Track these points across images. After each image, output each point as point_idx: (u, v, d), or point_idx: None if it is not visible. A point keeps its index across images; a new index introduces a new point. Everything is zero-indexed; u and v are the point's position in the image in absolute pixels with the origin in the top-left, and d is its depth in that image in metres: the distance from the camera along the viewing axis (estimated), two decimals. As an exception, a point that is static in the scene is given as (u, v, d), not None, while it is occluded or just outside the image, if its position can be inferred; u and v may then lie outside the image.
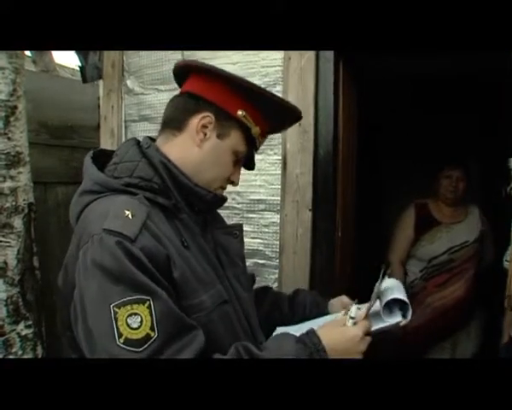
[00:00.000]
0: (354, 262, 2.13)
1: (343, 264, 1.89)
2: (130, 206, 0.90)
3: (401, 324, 1.04)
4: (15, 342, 1.96)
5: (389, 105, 3.16)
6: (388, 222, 2.66)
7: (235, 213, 1.92)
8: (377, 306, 1.07)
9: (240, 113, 1.02)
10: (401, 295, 1.09)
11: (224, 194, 1.87)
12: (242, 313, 1.06)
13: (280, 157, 1.83)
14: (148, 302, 0.82)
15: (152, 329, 0.81)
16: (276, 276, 1.84)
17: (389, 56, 1.90)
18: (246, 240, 1.86)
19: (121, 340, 0.80)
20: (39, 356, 2.04)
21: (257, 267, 1.86)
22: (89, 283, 0.84)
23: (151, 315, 0.82)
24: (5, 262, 1.92)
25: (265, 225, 1.87)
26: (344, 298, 1.24)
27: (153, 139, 1.06)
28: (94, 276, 0.83)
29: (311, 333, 0.95)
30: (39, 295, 2.06)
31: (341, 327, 0.97)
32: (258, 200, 1.89)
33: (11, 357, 1.92)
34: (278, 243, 1.84)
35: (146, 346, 0.81)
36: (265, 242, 1.87)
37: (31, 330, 2.01)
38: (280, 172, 1.83)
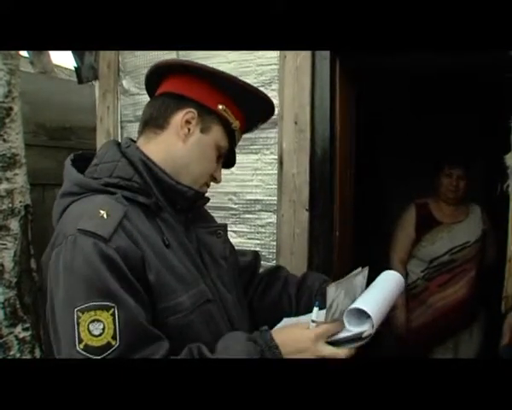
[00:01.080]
0: (352, 263, 2.10)
1: (341, 264, 1.87)
2: (105, 206, 0.89)
3: (363, 334, 0.94)
4: (13, 344, 1.96)
5: (388, 103, 3.13)
6: (388, 222, 2.63)
7: (232, 214, 1.90)
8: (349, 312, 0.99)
9: (220, 107, 1.03)
10: (365, 303, 0.97)
11: (220, 194, 1.87)
12: (225, 314, 1.05)
13: (276, 157, 1.81)
14: (112, 310, 0.81)
15: (114, 337, 0.80)
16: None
17: (387, 54, 1.87)
18: (242, 241, 1.87)
19: (81, 346, 0.79)
20: (37, 359, 2.04)
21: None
22: (58, 284, 0.84)
23: (114, 323, 0.80)
24: (2, 265, 1.92)
25: (262, 226, 1.85)
26: None
27: (133, 141, 1.06)
28: (64, 277, 0.83)
29: (264, 331, 0.93)
30: (37, 298, 2.05)
31: (295, 328, 0.95)
32: (254, 200, 1.87)
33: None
34: (275, 243, 1.82)
35: (105, 354, 0.79)
36: (262, 242, 1.86)
37: (28, 333, 2.01)
38: (276, 171, 1.81)
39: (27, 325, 2.01)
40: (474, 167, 2.47)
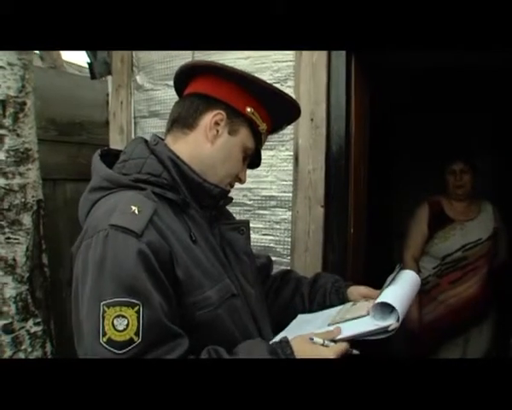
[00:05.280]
0: (366, 260, 2.10)
1: (355, 261, 1.87)
2: (136, 201, 0.90)
3: (390, 328, 0.95)
4: (24, 339, 1.96)
5: (403, 101, 3.12)
6: (400, 219, 2.64)
7: (247, 210, 1.89)
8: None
9: (248, 110, 1.05)
10: (391, 297, 1.00)
11: (236, 190, 1.86)
12: (249, 308, 1.06)
13: (292, 153, 1.80)
14: (137, 307, 0.82)
15: (136, 334, 0.81)
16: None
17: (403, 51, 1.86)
18: (257, 237, 1.87)
19: (104, 339, 0.81)
20: (48, 354, 2.04)
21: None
22: (87, 277, 0.85)
23: (138, 321, 0.82)
24: (14, 259, 1.91)
25: (277, 222, 1.85)
26: (361, 288, 1.21)
27: (161, 138, 1.07)
28: (93, 271, 0.84)
29: (285, 343, 0.93)
30: (48, 293, 2.05)
31: (315, 345, 0.93)
32: (269, 196, 1.86)
33: (20, 354, 1.91)
34: (290, 240, 1.82)
35: (126, 350, 0.81)
36: (277, 239, 1.85)
37: (40, 328, 2.01)
38: (292, 168, 1.81)
39: (39, 320, 2.00)
40: (485, 165, 2.48)
